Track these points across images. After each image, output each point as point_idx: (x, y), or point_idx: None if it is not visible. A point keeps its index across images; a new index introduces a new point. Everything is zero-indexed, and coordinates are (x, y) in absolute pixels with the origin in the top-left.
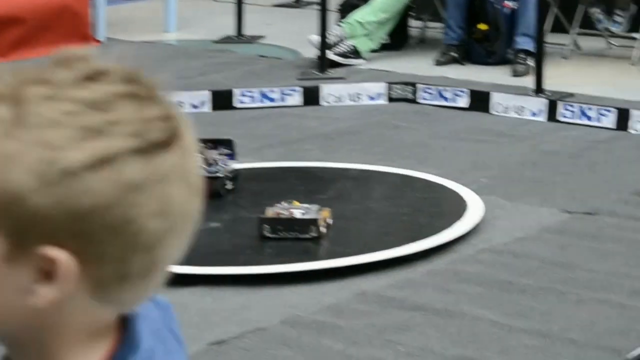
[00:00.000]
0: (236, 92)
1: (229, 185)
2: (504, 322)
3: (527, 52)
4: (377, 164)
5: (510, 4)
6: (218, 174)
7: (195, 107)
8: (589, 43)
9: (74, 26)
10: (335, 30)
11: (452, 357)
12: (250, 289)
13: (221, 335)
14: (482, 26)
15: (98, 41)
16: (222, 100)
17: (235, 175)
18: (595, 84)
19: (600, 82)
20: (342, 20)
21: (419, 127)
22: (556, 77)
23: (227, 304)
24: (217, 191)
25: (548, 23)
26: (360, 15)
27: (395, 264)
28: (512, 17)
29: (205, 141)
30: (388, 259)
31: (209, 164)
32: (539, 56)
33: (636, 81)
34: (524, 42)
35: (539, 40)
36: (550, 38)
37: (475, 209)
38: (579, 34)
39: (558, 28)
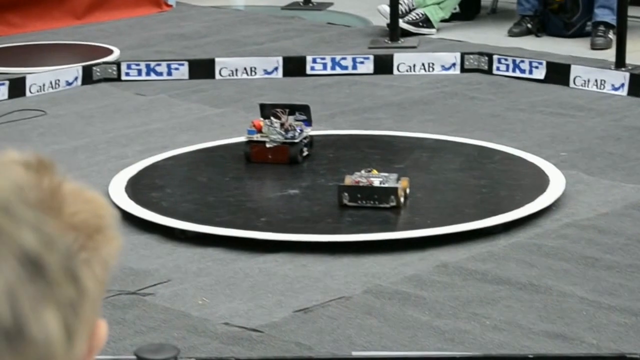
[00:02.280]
0: (308, 58)
1: (306, 151)
2: (592, 298)
3: (606, 25)
4: (452, 134)
5: None
6: (295, 140)
7: (267, 72)
8: None
9: None
10: None
11: (541, 332)
12: (331, 257)
13: (306, 303)
14: None
15: (170, 6)
16: (293, 66)
17: (311, 141)
18: None
19: None
20: None
21: (494, 98)
22: (637, 51)
23: (309, 271)
24: (294, 157)
25: None
26: None
27: (475, 236)
28: None
29: (282, 107)
30: (468, 231)
31: (286, 130)
32: (621, 28)
33: None
34: (604, 14)
35: (622, 12)
36: (630, 11)
37: (557, 183)
38: None
39: (637, 0)
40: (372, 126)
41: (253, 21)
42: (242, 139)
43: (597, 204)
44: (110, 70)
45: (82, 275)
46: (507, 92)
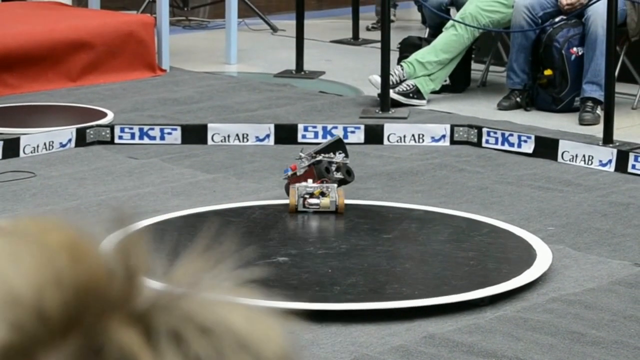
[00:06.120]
0: (300, 126)
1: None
2: None
3: (594, 101)
4: (441, 206)
5: (577, 50)
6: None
7: (259, 139)
8: None
9: (140, 54)
10: (395, 70)
11: None
12: (318, 325)
13: None
14: (548, 72)
15: (164, 70)
16: (285, 134)
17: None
18: None
19: None
20: (402, 59)
21: (483, 171)
22: (624, 127)
23: (296, 339)
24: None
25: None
26: (421, 54)
27: (462, 308)
28: (579, 64)
29: (323, 152)
30: (455, 303)
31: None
32: (608, 105)
33: None
34: (592, 90)
35: (610, 89)
36: (618, 88)
37: (544, 257)
38: None
39: (624, 77)
40: (362, 196)
41: (246, 88)
42: (233, 205)
43: (583, 279)
44: (103, 133)
45: None
46: (496, 165)
